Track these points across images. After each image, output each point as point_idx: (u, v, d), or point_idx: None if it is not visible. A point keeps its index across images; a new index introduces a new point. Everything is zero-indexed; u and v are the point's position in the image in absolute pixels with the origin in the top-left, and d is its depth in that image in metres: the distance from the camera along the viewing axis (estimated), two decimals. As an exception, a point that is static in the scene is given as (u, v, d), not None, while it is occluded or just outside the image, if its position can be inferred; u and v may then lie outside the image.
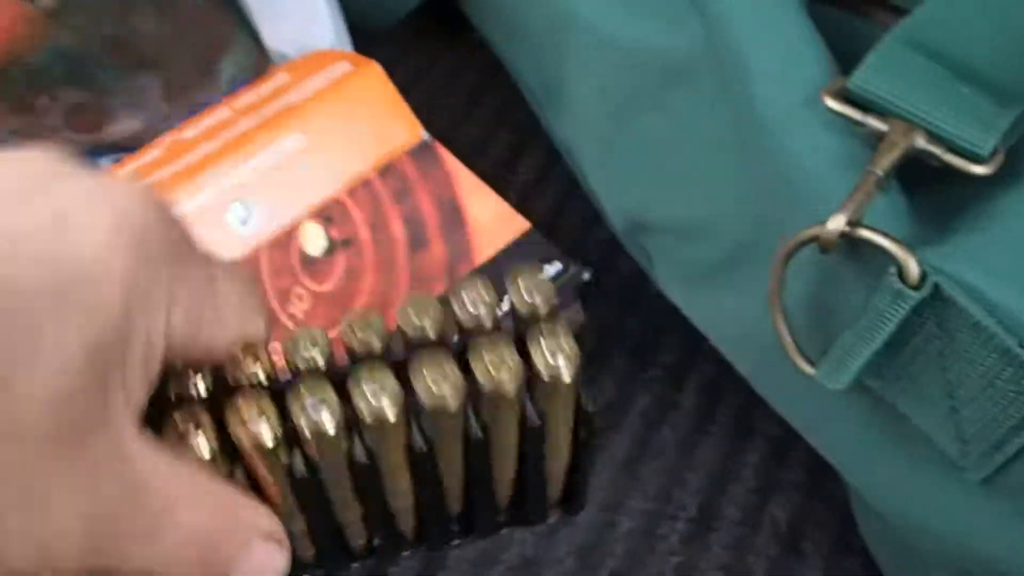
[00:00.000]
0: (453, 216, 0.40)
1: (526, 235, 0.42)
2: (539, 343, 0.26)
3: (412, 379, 0.25)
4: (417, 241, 0.39)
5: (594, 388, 0.45)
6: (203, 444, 0.24)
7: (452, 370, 0.25)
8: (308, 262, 0.37)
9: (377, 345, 0.26)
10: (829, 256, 0.28)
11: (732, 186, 0.34)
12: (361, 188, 0.39)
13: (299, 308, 0.36)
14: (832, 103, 0.29)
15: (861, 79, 0.28)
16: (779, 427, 0.45)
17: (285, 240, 0.37)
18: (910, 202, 0.29)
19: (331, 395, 0.25)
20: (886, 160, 0.27)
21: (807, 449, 0.44)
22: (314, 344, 0.26)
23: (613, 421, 0.44)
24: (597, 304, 0.47)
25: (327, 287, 0.37)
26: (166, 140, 0.39)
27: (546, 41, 0.41)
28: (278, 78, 0.41)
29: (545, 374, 0.26)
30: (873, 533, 0.40)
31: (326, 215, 0.38)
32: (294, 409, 0.24)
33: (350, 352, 0.26)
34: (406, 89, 0.43)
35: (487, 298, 0.27)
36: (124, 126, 0.41)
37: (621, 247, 0.48)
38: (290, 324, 0.36)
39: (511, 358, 0.25)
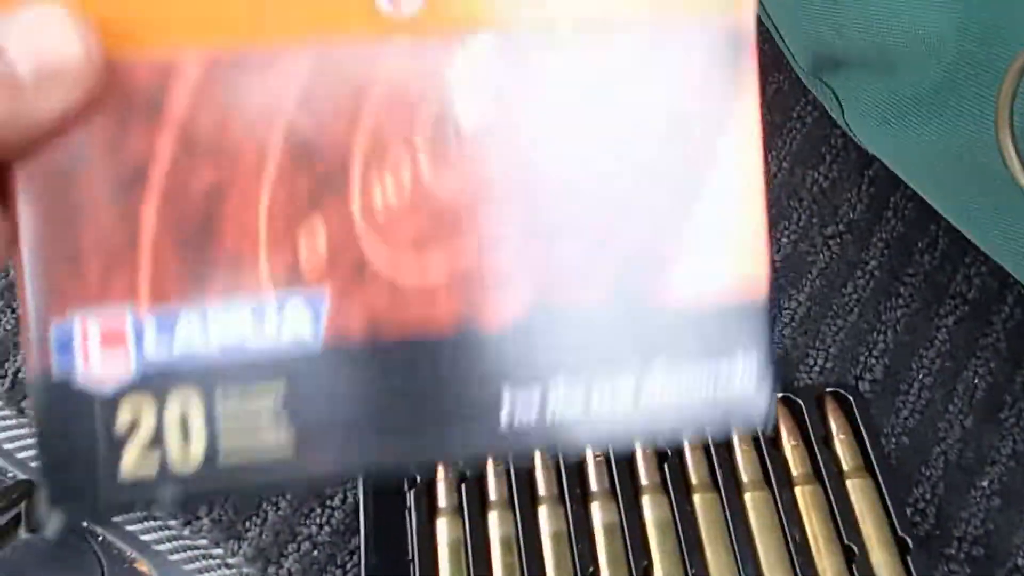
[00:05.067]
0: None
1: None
2: None
3: None
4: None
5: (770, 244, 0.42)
6: None
7: None
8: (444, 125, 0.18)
9: None
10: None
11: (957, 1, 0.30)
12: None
13: (389, 195, 0.18)
14: None
15: None
16: (979, 289, 0.41)
17: (437, 57, 0.18)
18: None
19: None
20: None
21: (1010, 311, 0.41)
22: None
23: (791, 279, 0.41)
24: (776, 157, 0.44)
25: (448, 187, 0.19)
26: None
27: None
28: None
29: None
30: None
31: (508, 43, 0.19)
32: None
33: None
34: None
35: None
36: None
37: (802, 93, 0.44)
38: (355, 212, 0.18)
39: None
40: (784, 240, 0.42)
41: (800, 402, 0.35)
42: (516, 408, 0.19)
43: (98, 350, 0.18)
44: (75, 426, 0.18)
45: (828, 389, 0.35)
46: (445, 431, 0.19)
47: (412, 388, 0.19)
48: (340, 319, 0.18)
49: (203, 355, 0.18)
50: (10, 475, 0.38)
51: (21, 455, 0.38)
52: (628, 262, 0.19)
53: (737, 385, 0.20)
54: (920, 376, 0.39)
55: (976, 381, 0.39)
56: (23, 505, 0.36)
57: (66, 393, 0.18)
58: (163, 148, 0.17)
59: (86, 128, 0.17)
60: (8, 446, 0.38)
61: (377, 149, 0.18)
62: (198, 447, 0.18)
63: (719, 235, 0.20)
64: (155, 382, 0.18)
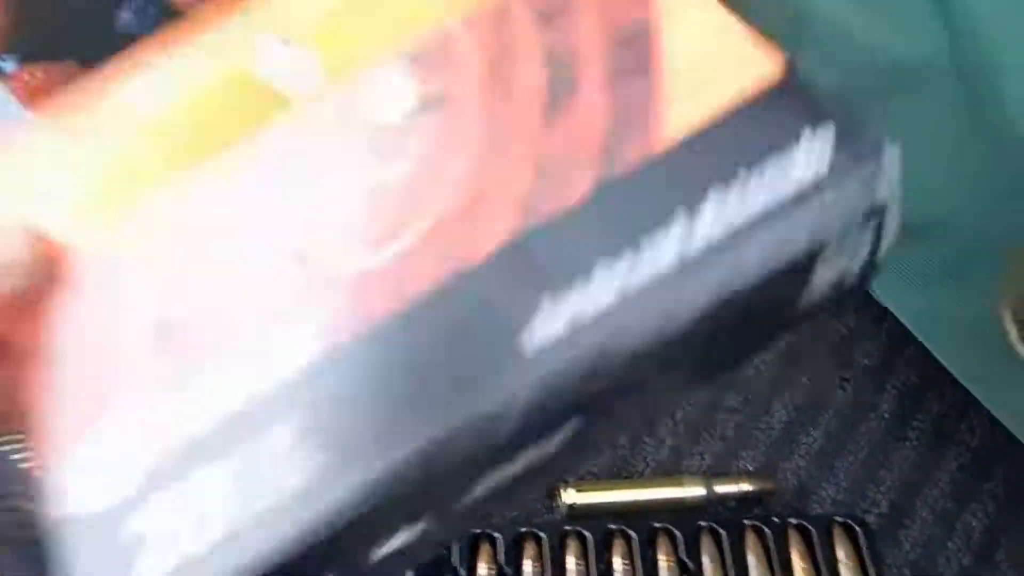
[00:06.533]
0: (635, 49, 0.21)
1: (770, 90, 0.21)
2: None
3: None
4: (559, 96, 0.20)
5: (789, 384, 0.46)
6: None
7: None
8: (374, 133, 0.21)
9: None
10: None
11: (961, 187, 0.35)
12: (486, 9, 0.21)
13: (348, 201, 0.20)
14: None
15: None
16: (981, 438, 0.45)
17: (345, 100, 0.21)
18: None
19: None
20: None
21: (1010, 462, 0.44)
22: None
23: (809, 416, 0.46)
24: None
25: (395, 171, 0.20)
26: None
27: (781, 32, 0.43)
28: None
29: None
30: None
31: (418, 54, 0.21)
32: None
33: None
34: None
35: None
36: None
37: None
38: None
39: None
40: (804, 380, 0.46)
41: (812, 529, 0.38)
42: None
43: None
44: None
45: (838, 519, 0.39)
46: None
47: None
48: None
49: None
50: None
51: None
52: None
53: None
54: (923, 514, 0.43)
55: (975, 523, 0.43)
56: None
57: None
58: None
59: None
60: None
61: None
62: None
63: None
64: None
